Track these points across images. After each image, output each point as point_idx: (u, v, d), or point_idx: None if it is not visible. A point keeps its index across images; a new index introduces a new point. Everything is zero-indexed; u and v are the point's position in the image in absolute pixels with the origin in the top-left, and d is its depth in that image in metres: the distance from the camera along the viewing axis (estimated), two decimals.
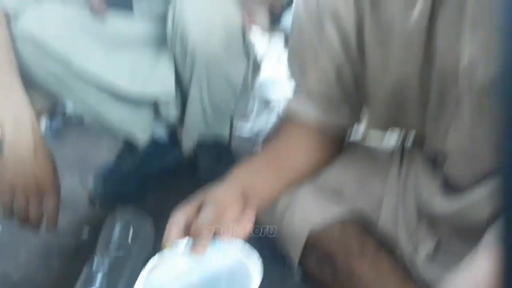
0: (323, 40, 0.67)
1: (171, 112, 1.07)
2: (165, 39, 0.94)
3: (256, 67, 1.05)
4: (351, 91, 0.71)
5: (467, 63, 0.53)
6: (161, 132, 1.19)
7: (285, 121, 0.78)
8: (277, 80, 1.32)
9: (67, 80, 0.97)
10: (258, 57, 1.06)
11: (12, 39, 0.88)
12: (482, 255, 0.44)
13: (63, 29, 0.93)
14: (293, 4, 0.71)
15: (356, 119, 0.76)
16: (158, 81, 0.98)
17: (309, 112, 0.73)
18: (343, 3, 0.62)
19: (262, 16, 1.31)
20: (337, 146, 0.78)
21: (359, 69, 0.67)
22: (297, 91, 0.77)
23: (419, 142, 0.72)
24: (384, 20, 0.60)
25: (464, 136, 0.58)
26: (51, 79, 0.96)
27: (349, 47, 0.66)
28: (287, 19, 1.46)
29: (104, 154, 1.30)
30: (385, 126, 0.74)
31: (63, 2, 0.97)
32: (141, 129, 1.11)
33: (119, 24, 0.99)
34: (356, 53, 0.66)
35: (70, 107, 1.53)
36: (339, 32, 0.65)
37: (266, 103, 1.29)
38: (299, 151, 0.74)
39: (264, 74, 1.26)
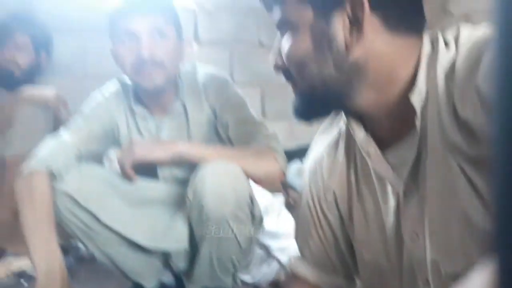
0: (323, 215, 0.80)
1: (181, 263, 1.18)
2: (183, 200, 1.09)
3: (260, 224, 1.18)
4: (347, 260, 0.82)
5: (429, 260, 0.62)
6: (169, 278, 1.27)
7: (290, 277, 0.88)
8: (278, 232, 1.44)
9: (93, 230, 1.10)
10: (262, 213, 1.20)
11: (53, 194, 1.04)
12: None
13: (97, 188, 1.09)
14: (302, 182, 0.86)
15: (352, 285, 0.86)
16: (173, 237, 1.11)
17: (310, 273, 0.84)
18: (340, 190, 0.77)
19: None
20: None
21: (352, 240, 0.80)
22: (300, 254, 0.88)
23: None
24: (366, 206, 0.72)
25: None
26: (79, 228, 1.10)
27: (343, 224, 0.79)
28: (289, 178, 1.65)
29: None
30: None
31: (101, 168, 1.16)
32: (151, 275, 1.21)
33: (144, 186, 1.15)
34: (350, 227, 0.79)
35: (83, 247, 1.63)
36: (336, 211, 0.78)
37: (267, 254, 1.40)
38: None
39: (266, 227, 1.39)
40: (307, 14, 0.60)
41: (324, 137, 0.82)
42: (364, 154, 0.69)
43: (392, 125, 0.64)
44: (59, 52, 1.95)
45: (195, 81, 1.21)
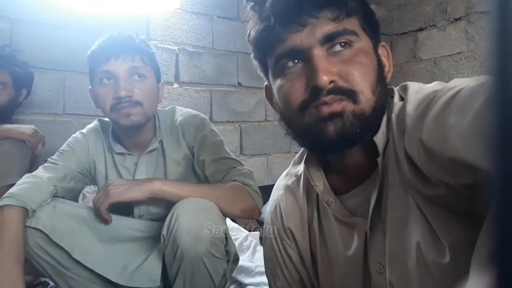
0: (287, 255, 0.82)
1: None
2: (158, 237, 1.09)
3: (235, 260, 1.19)
4: None
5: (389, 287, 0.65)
6: None
7: None
8: (252, 269, 1.44)
9: (65, 267, 1.09)
10: (237, 249, 1.21)
11: (25, 231, 1.03)
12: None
13: (70, 225, 1.09)
14: (264, 222, 0.89)
15: None
16: (146, 273, 1.11)
17: None
18: (300, 232, 0.79)
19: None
20: None
21: (314, 279, 0.81)
22: None
23: None
24: (330, 248, 0.75)
25: None
26: (51, 265, 1.08)
27: (305, 261, 0.81)
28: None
29: None
30: None
31: (76, 205, 1.16)
32: None
33: (118, 223, 1.15)
34: (311, 266, 0.80)
35: (52, 284, 1.59)
36: (297, 250, 0.81)
37: None
38: None
39: (241, 263, 1.39)
40: (368, 41, 0.63)
41: (285, 179, 0.85)
42: (324, 203, 0.73)
43: (357, 166, 0.68)
44: (39, 89, 1.97)
45: (173, 120, 1.24)
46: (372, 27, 0.65)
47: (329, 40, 0.60)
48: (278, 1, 0.62)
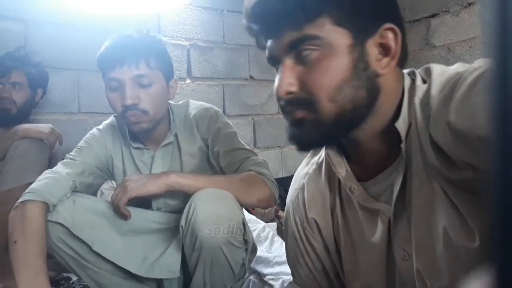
0: (309, 244, 0.82)
1: None
2: (177, 229, 1.10)
3: (253, 251, 1.20)
4: (336, 286, 0.83)
5: (416, 277, 0.64)
6: None
7: None
8: (271, 259, 1.45)
9: (86, 260, 1.11)
10: (255, 240, 1.22)
11: (47, 225, 1.05)
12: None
13: (90, 218, 1.11)
14: (285, 212, 0.89)
15: None
16: (165, 265, 1.12)
17: None
18: (323, 219, 0.79)
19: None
20: None
21: (339, 266, 0.81)
22: (293, 279, 0.89)
23: None
24: (354, 235, 0.75)
25: None
26: (73, 258, 1.10)
27: (330, 252, 0.81)
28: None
29: None
30: None
31: (95, 199, 1.18)
32: None
33: (137, 216, 1.17)
34: (336, 253, 0.81)
35: (75, 278, 1.62)
36: (321, 238, 0.81)
37: (260, 281, 1.40)
38: None
39: (259, 253, 1.40)
40: (344, 38, 0.59)
41: (305, 168, 0.85)
42: (347, 190, 0.72)
43: (378, 155, 0.67)
44: (54, 89, 2.00)
45: (187, 114, 1.25)
46: (353, 20, 0.59)
47: (293, 48, 0.60)
48: (255, 10, 0.62)
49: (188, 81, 2.38)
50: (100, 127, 1.28)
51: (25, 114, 1.84)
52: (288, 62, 0.61)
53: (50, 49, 1.99)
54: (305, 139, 0.63)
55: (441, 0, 2.84)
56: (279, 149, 2.65)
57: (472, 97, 0.51)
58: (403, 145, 0.62)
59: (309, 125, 0.61)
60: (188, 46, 2.38)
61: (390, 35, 0.61)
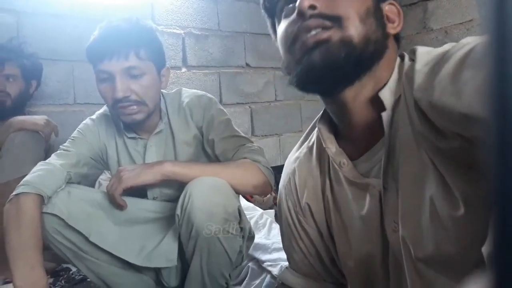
0: (302, 229, 0.82)
1: (172, 280, 1.19)
2: (172, 218, 1.10)
3: (250, 238, 1.20)
4: (332, 270, 0.84)
5: (402, 246, 0.64)
6: None
7: (279, 286, 0.89)
8: (268, 246, 1.45)
9: (83, 251, 1.11)
10: (253, 227, 1.22)
11: (42, 217, 1.05)
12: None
13: (85, 209, 1.11)
14: (278, 197, 0.89)
15: None
16: (163, 254, 1.12)
17: (299, 282, 0.85)
18: (315, 203, 0.80)
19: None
20: None
21: (333, 250, 0.81)
22: (289, 264, 0.89)
23: None
24: (343, 214, 0.75)
25: None
26: (70, 249, 1.11)
27: (323, 233, 0.81)
28: None
29: None
30: None
31: (90, 190, 1.17)
32: None
33: (133, 205, 1.17)
34: (329, 237, 0.81)
35: (74, 269, 1.63)
36: (314, 223, 0.81)
37: (259, 267, 1.40)
38: None
39: (257, 240, 1.40)
40: None
41: (296, 152, 0.84)
42: (336, 166, 0.72)
43: (366, 129, 0.68)
44: (48, 80, 1.98)
45: (180, 102, 1.24)
46: None
47: None
48: None
49: (183, 70, 2.36)
50: (93, 117, 1.27)
51: (20, 106, 1.83)
52: None
53: (43, 40, 1.97)
54: (333, 55, 0.59)
55: None
56: (277, 137, 2.65)
57: (459, 73, 0.50)
58: (385, 115, 0.62)
59: (335, 44, 0.59)
60: (183, 34, 2.36)
61: (394, 9, 0.67)
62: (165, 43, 1.21)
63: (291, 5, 0.65)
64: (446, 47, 0.59)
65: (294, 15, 0.63)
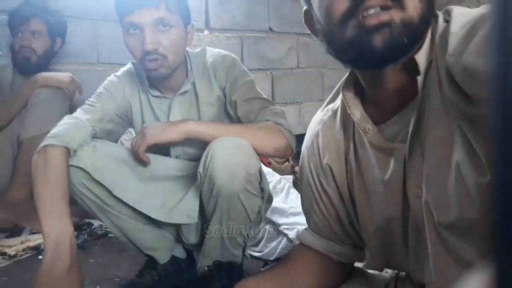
0: (323, 191, 0.82)
1: (192, 237, 1.22)
2: (194, 176, 1.12)
3: (269, 200, 1.22)
4: (350, 233, 0.84)
5: (425, 210, 0.64)
6: (181, 251, 1.31)
7: (296, 245, 0.91)
8: (286, 210, 1.47)
9: (107, 204, 1.14)
10: (271, 191, 1.23)
11: (68, 169, 1.07)
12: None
13: (110, 163, 1.13)
14: (300, 159, 0.89)
15: (358, 256, 0.87)
16: (184, 210, 1.15)
17: (317, 243, 0.86)
18: (337, 165, 0.80)
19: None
20: (342, 272, 0.88)
21: (353, 214, 0.82)
22: (308, 226, 0.91)
23: (408, 275, 0.83)
24: (366, 178, 0.75)
25: (433, 271, 0.68)
26: (94, 202, 1.14)
27: (343, 196, 0.81)
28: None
29: (126, 267, 1.40)
30: (379, 267, 0.85)
31: (115, 145, 1.20)
32: (164, 248, 1.25)
33: (156, 162, 1.19)
34: (350, 201, 0.81)
35: (96, 224, 1.69)
36: (335, 185, 0.81)
37: (276, 230, 1.43)
38: (305, 271, 0.85)
39: (275, 204, 1.42)
40: None
41: (320, 115, 0.84)
42: (361, 132, 0.72)
43: (396, 92, 0.66)
44: (72, 39, 1.99)
45: (204, 62, 1.24)
46: None
47: None
48: None
49: (206, 32, 2.34)
50: (118, 73, 1.27)
51: (45, 63, 1.85)
52: None
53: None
54: (396, 40, 0.57)
55: None
56: (297, 105, 2.63)
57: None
58: (420, 78, 0.61)
59: (397, 27, 0.57)
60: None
61: None
62: (188, 3, 1.20)
63: None
64: (483, 10, 0.57)
65: None
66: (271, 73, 2.52)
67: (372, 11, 0.57)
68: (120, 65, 1.96)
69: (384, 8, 0.57)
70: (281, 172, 2.07)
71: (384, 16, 0.57)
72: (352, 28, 0.59)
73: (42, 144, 1.07)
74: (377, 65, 0.63)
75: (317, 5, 0.65)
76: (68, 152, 1.08)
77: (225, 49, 2.33)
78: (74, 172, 1.10)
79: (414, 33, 0.59)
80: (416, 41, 0.60)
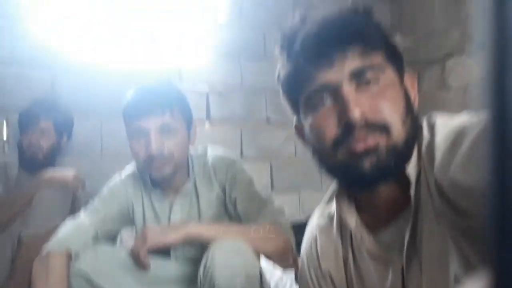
0: None
1: None
2: (195, 278, 1.12)
3: None
4: None
5: None
6: None
7: None
8: None
9: None
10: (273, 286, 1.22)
11: (69, 275, 1.08)
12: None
13: (111, 268, 1.13)
14: (300, 263, 0.89)
15: None
16: None
17: None
18: (336, 271, 0.80)
19: None
20: None
21: None
22: None
23: None
24: (367, 284, 0.74)
25: None
26: None
27: None
28: None
29: None
30: None
31: (116, 249, 1.20)
32: None
33: (156, 265, 1.19)
34: None
35: None
36: None
37: None
38: None
39: None
40: (391, 72, 0.64)
41: (318, 219, 0.85)
42: (357, 241, 0.73)
43: (388, 202, 0.69)
44: (77, 133, 2.07)
45: (205, 162, 1.29)
46: (396, 59, 0.66)
47: (357, 75, 0.62)
48: (307, 40, 0.64)
49: (207, 125, 2.44)
50: (122, 175, 1.32)
51: (51, 158, 1.91)
52: (351, 88, 0.62)
53: (75, 95, 2.08)
54: (383, 165, 0.61)
55: (456, 41, 2.86)
56: (297, 193, 2.65)
57: (475, 153, 0.52)
58: (412, 191, 0.63)
59: (383, 152, 0.61)
60: (207, 90, 2.46)
61: (409, 81, 0.68)
62: (190, 100, 1.27)
63: (326, 97, 0.64)
64: (465, 120, 0.61)
65: (328, 104, 0.64)
66: (270, 162, 2.58)
67: (359, 137, 0.61)
68: (124, 158, 2.02)
69: (371, 132, 0.61)
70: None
71: (369, 142, 0.61)
72: (342, 154, 0.63)
73: (44, 250, 1.09)
74: (367, 186, 0.66)
75: (308, 127, 0.68)
76: (70, 257, 1.09)
77: (225, 139, 2.43)
78: (75, 276, 1.10)
79: (400, 156, 0.62)
80: (403, 163, 0.64)
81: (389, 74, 0.64)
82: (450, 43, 2.88)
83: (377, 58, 0.63)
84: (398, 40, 0.70)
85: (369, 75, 0.62)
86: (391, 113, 0.61)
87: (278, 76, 0.73)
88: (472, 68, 2.78)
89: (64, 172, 1.81)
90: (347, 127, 0.61)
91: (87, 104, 2.12)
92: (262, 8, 2.66)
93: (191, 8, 2.43)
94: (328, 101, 0.64)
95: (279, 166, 2.62)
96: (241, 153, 2.49)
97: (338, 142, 0.63)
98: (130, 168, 1.34)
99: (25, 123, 1.89)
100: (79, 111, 2.07)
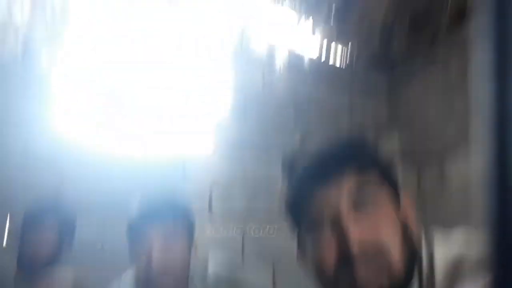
0: None
1: None
2: None
3: None
4: None
5: None
6: None
7: None
8: None
9: None
10: None
11: None
12: None
13: None
14: None
15: None
16: None
17: None
18: None
19: None
20: None
21: None
22: None
23: None
24: None
25: None
26: None
27: None
28: None
29: None
30: None
31: None
32: None
33: None
34: None
35: None
36: None
37: None
38: None
39: None
40: (387, 193, 0.66)
41: None
42: None
43: None
44: (78, 238, 2.05)
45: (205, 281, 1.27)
46: (391, 181, 0.68)
47: (354, 195, 0.63)
48: (307, 162, 0.67)
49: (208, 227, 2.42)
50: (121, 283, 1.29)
51: (51, 265, 1.87)
52: (349, 214, 0.63)
53: (78, 196, 2.09)
54: None
55: (455, 135, 2.88)
56: None
57: None
58: None
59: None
60: (210, 186, 2.48)
61: (407, 200, 0.69)
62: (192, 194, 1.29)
63: (324, 223, 0.65)
64: (463, 246, 0.61)
65: (328, 233, 0.64)
66: (273, 261, 2.52)
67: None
68: (125, 267, 1.98)
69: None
70: None
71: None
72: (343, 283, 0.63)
73: None
74: None
75: (310, 255, 0.69)
76: None
77: (226, 234, 2.38)
78: None
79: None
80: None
81: (386, 195, 0.65)
82: (449, 138, 2.90)
83: (373, 177, 0.65)
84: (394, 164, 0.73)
85: (366, 195, 0.63)
86: (388, 237, 0.62)
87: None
88: (472, 164, 2.79)
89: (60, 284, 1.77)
90: (346, 258, 0.61)
91: (91, 205, 2.12)
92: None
93: (196, 102, 2.52)
94: (327, 226, 0.64)
95: (282, 267, 2.55)
96: (242, 255, 2.44)
97: (338, 272, 0.63)
98: (128, 279, 1.31)
99: (27, 226, 1.87)
100: (81, 208, 2.07)
